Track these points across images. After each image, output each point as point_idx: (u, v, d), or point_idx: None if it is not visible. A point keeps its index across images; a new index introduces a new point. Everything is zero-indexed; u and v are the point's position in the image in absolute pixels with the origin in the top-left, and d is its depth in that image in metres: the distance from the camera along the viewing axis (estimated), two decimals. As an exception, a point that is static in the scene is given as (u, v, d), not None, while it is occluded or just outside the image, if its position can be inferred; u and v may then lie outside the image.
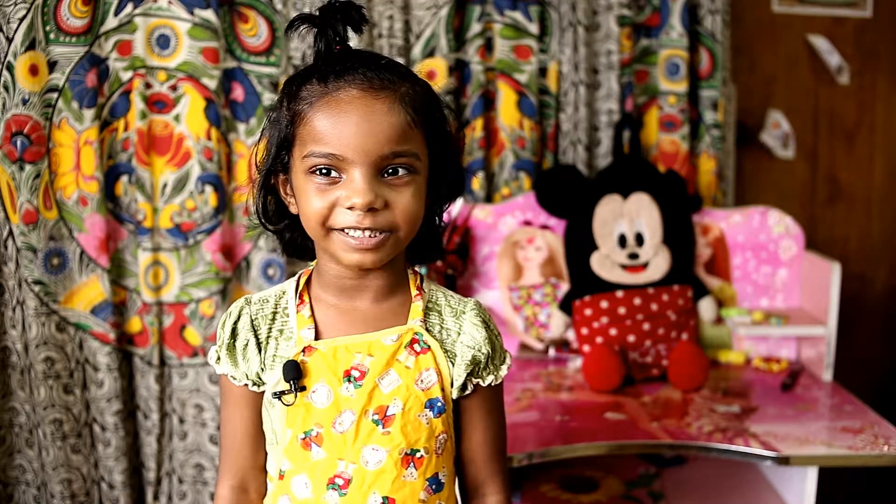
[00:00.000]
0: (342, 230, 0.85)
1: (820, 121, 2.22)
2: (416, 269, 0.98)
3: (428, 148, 0.88)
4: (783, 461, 1.33)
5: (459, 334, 0.93)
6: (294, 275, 1.79)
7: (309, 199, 0.85)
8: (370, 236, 0.84)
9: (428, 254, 0.98)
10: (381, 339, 0.90)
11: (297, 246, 0.96)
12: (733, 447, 1.37)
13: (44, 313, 1.55)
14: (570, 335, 1.79)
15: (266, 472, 0.95)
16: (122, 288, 1.66)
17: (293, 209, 0.91)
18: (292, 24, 0.88)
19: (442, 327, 0.94)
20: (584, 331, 1.72)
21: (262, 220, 0.93)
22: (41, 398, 1.56)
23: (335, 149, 0.82)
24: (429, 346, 0.91)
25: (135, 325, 1.66)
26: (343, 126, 0.82)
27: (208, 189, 1.65)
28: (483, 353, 0.93)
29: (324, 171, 0.84)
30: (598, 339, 1.70)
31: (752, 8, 2.12)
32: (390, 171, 0.85)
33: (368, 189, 0.82)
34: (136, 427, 1.70)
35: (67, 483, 1.60)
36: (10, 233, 1.51)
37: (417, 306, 0.93)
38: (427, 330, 0.92)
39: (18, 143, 1.49)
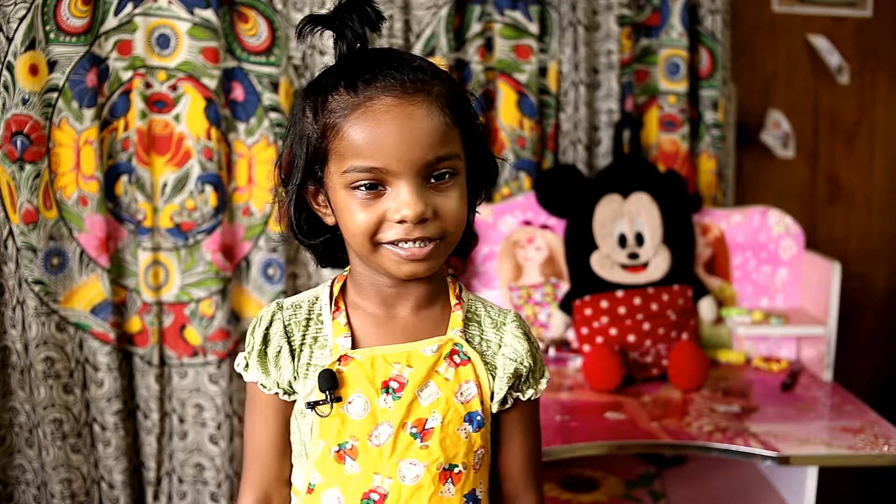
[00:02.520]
0: (391, 243, 0.81)
1: (820, 121, 2.22)
2: (453, 276, 0.94)
3: (463, 144, 0.85)
4: (783, 461, 1.34)
5: (500, 346, 0.90)
6: (294, 275, 1.80)
7: (353, 215, 0.81)
8: (421, 246, 0.81)
9: (462, 248, 0.93)
10: (421, 350, 0.87)
11: (331, 257, 0.92)
12: (733, 447, 1.37)
13: (44, 313, 1.55)
14: (570, 335, 1.79)
15: (290, 485, 0.92)
16: (122, 288, 1.65)
17: (328, 220, 0.87)
18: (304, 27, 0.83)
19: (482, 338, 0.91)
20: (584, 330, 1.72)
21: (299, 237, 0.89)
22: (41, 398, 1.56)
23: (378, 162, 0.79)
24: (469, 358, 0.88)
25: (135, 324, 1.66)
26: (384, 138, 0.78)
27: (208, 189, 1.65)
28: (525, 367, 0.90)
29: (367, 185, 0.80)
30: (598, 339, 1.70)
31: (752, 8, 2.12)
32: (435, 176, 0.81)
33: (418, 200, 0.79)
34: (136, 427, 1.70)
35: (67, 483, 1.60)
36: (10, 233, 1.51)
37: (457, 316, 0.90)
38: (467, 341, 0.89)
39: (18, 142, 1.49)
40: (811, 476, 1.40)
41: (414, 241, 0.81)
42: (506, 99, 1.85)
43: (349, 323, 0.88)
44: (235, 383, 1.71)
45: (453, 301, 0.91)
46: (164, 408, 1.69)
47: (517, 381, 0.90)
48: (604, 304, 1.71)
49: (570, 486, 1.69)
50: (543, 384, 0.93)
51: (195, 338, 1.67)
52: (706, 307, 1.77)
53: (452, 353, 0.88)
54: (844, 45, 2.17)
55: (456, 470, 0.85)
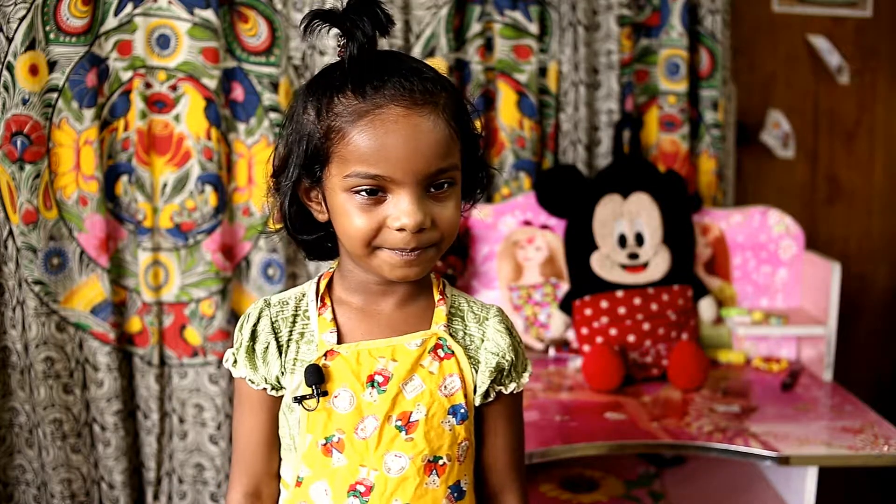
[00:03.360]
0: (388, 248, 0.83)
1: (820, 121, 2.22)
2: (438, 273, 0.97)
3: (462, 154, 0.87)
4: (783, 461, 1.34)
5: (483, 340, 0.92)
6: (294, 275, 1.80)
7: (352, 218, 0.83)
8: (416, 252, 0.83)
9: (449, 249, 0.94)
10: (405, 344, 0.89)
11: (321, 250, 0.94)
12: (733, 447, 1.37)
13: (44, 313, 1.55)
14: (570, 335, 1.79)
15: (279, 478, 0.93)
16: (122, 288, 1.65)
17: (320, 217, 0.88)
18: (311, 21, 0.83)
19: (465, 333, 0.93)
20: (584, 331, 1.72)
21: (290, 232, 0.90)
22: (41, 398, 1.56)
23: (382, 170, 0.80)
24: (452, 352, 0.90)
25: (135, 324, 1.66)
26: (390, 147, 0.80)
27: (208, 189, 1.65)
28: (507, 360, 0.92)
29: (368, 190, 0.81)
30: (598, 339, 1.70)
31: (752, 8, 2.12)
32: (434, 185, 0.83)
33: (418, 210, 0.81)
34: (136, 427, 1.70)
35: (67, 483, 1.60)
36: (10, 233, 1.51)
37: (441, 311, 0.92)
38: (451, 335, 0.91)
39: (18, 143, 1.49)
40: (811, 476, 1.40)
41: (410, 249, 0.83)
42: (506, 99, 1.85)
43: (335, 318, 0.90)
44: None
45: (437, 297, 0.93)
46: (164, 408, 1.69)
47: (499, 375, 0.92)
48: (604, 304, 1.71)
49: (570, 486, 1.69)
50: (526, 378, 0.95)
51: (195, 338, 1.67)
52: (706, 307, 1.77)
53: (437, 347, 0.90)
54: (844, 45, 2.17)
55: (440, 462, 0.87)
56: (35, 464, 1.60)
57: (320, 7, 1.65)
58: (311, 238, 0.91)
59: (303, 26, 0.84)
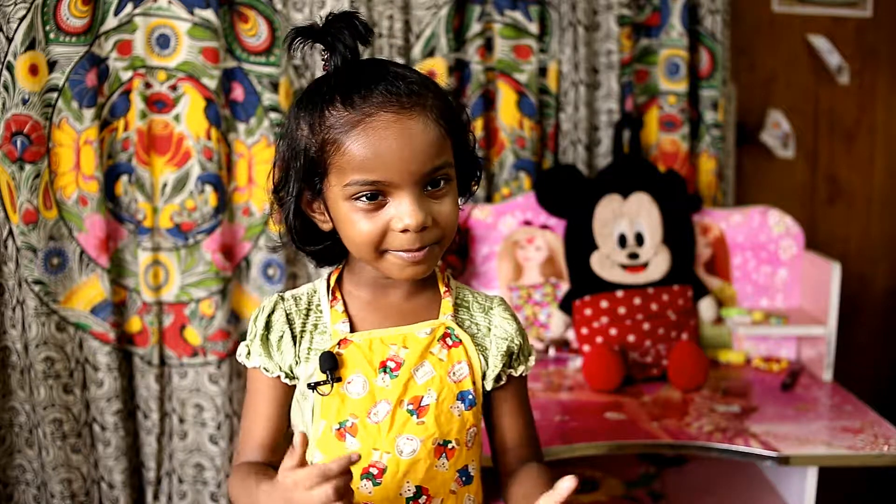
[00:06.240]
0: (395, 250, 0.87)
1: (820, 121, 2.22)
2: (444, 266, 1.01)
3: (454, 151, 0.90)
4: (783, 461, 1.34)
5: (490, 328, 0.97)
6: (294, 275, 1.80)
7: (356, 225, 0.86)
8: (421, 251, 0.87)
9: (449, 248, 1.01)
10: (415, 332, 0.93)
11: (329, 257, 0.97)
12: (733, 447, 1.37)
13: (44, 313, 1.55)
14: (570, 335, 1.79)
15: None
16: (122, 288, 1.65)
17: (324, 227, 0.92)
18: (293, 40, 0.86)
19: (472, 322, 0.97)
20: (584, 331, 1.72)
21: (297, 244, 0.93)
22: (41, 398, 1.56)
23: (380, 175, 0.83)
24: (460, 340, 0.94)
25: (135, 324, 1.66)
26: (385, 153, 0.83)
27: (208, 189, 1.64)
28: (516, 344, 0.97)
29: (368, 195, 0.84)
30: (598, 339, 1.70)
31: (752, 8, 2.12)
32: (431, 183, 0.86)
33: (419, 210, 0.84)
34: (136, 427, 1.70)
35: (67, 483, 1.60)
36: (10, 233, 1.51)
37: (447, 302, 0.96)
38: (458, 325, 0.95)
39: (18, 142, 1.49)
40: (811, 476, 1.40)
41: (416, 249, 0.86)
42: (506, 99, 1.85)
43: (346, 310, 0.94)
44: (235, 383, 1.71)
45: (443, 289, 0.98)
46: (164, 408, 1.69)
47: (509, 359, 0.97)
48: (604, 304, 1.71)
49: (570, 486, 1.69)
50: (532, 361, 1.00)
51: (195, 338, 1.67)
52: (706, 307, 1.77)
53: (445, 335, 0.94)
54: (844, 45, 2.17)
55: (450, 446, 0.91)
56: (35, 464, 1.60)
57: (320, 7, 1.66)
58: (317, 248, 0.94)
59: (286, 45, 0.86)
